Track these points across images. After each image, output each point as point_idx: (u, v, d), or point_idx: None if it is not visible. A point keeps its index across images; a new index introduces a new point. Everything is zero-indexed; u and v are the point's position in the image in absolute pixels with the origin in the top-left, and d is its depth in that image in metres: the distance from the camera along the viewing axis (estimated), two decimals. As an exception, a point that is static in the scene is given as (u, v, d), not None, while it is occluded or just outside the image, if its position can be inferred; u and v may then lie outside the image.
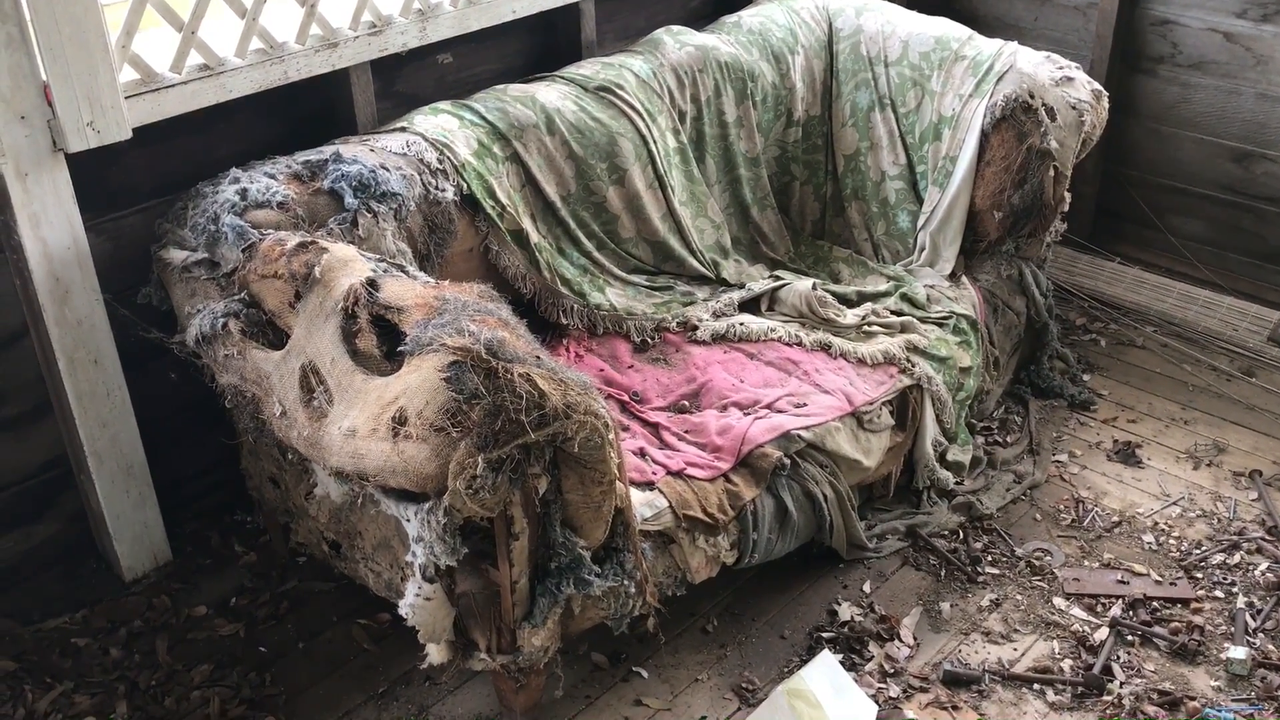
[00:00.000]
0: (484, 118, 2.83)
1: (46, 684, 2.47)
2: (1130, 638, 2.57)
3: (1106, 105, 3.23)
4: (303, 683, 2.50)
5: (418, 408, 1.95)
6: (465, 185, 2.71)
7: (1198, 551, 2.82)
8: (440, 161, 2.68)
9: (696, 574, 2.46)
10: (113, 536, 2.70)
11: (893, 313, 3.07)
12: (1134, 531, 2.89)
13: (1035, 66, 3.20)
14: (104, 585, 2.75)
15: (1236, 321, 3.67)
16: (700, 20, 3.57)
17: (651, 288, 3.07)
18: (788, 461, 2.57)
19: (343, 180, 2.48)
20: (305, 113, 2.84)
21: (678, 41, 3.26)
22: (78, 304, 2.47)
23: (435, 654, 2.25)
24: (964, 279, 3.22)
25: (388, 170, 2.56)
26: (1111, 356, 3.61)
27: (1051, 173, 3.13)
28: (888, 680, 2.48)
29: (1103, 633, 2.58)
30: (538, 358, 2.03)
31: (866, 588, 2.74)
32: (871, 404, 2.76)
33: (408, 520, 2.06)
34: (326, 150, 2.58)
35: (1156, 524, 2.92)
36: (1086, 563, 2.80)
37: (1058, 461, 3.15)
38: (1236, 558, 2.79)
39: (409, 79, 3.03)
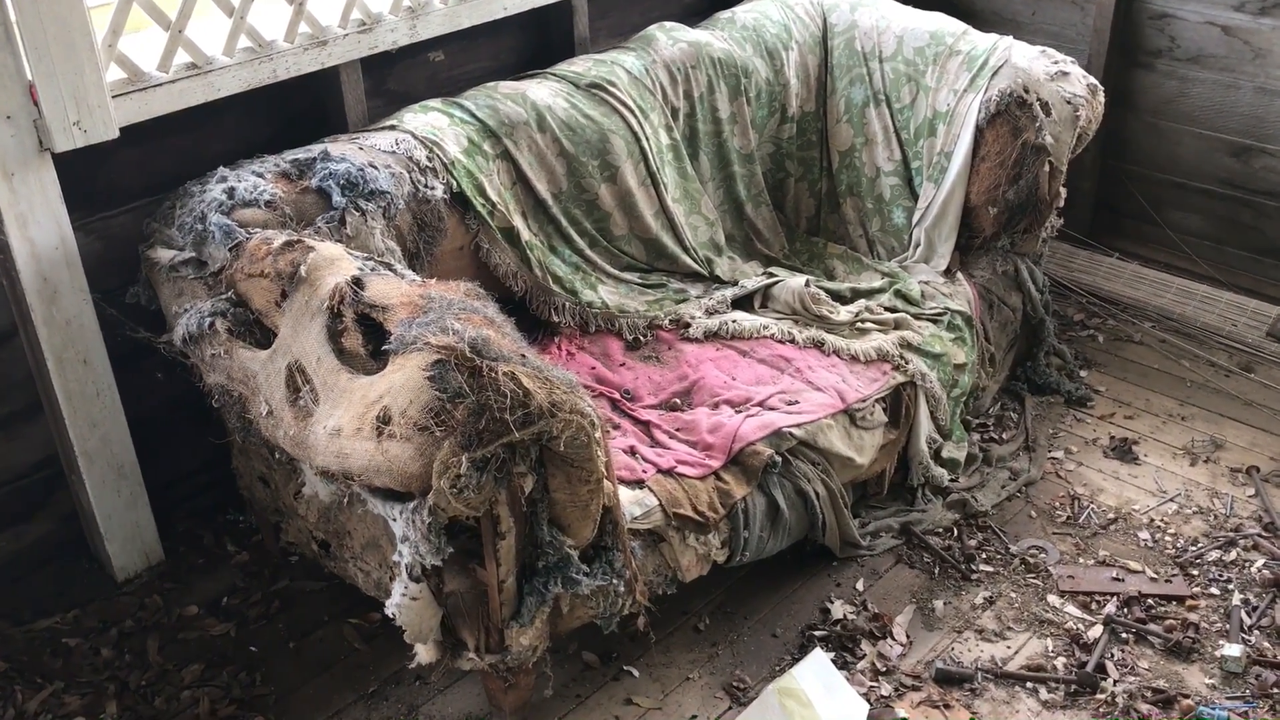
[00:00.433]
0: (474, 115, 2.82)
1: (37, 684, 2.46)
2: (1124, 635, 2.56)
3: (1102, 100, 3.21)
4: (293, 682, 2.50)
5: (401, 407, 1.94)
6: (455, 183, 2.71)
7: (1194, 548, 2.80)
8: (430, 159, 2.68)
9: (687, 572, 2.45)
10: (104, 536, 2.70)
11: (887, 309, 3.05)
12: (1130, 528, 2.88)
13: (1030, 61, 3.18)
14: (96, 585, 2.74)
15: (1235, 317, 3.64)
16: (695, 16, 3.56)
17: (644, 285, 3.06)
18: (779, 459, 2.56)
19: (330, 179, 2.47)
20: (295, 111, 2.83)
21: (670, 38, 3.24)
22: (66, 304, 2.46)
23: (424, 653, 2.24)
24: (959, 275, 3.20)
25: (376, 168, 2.55)
26: (1109, 352, 3.59)
27: (1046, 168, 3.11)
28: (880, 679, 2.47)
29: (1097, 630, 2.57)
30: (523, 356, 2.02)
31: (860, 585, 2.72)
32: (864, 401, 2.75)
33: (394, 520, 2.06)
34: (315, 149, 2.57)
35: (1152, 521, 2.90)
36: (1081, 560, 2.78)
37: (1054, 458, 3.13)
38: (1233, 554, 2.77)
39: (400, 77, 3.02)
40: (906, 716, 2.38)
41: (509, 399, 1.93)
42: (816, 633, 2.58)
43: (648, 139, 3.07)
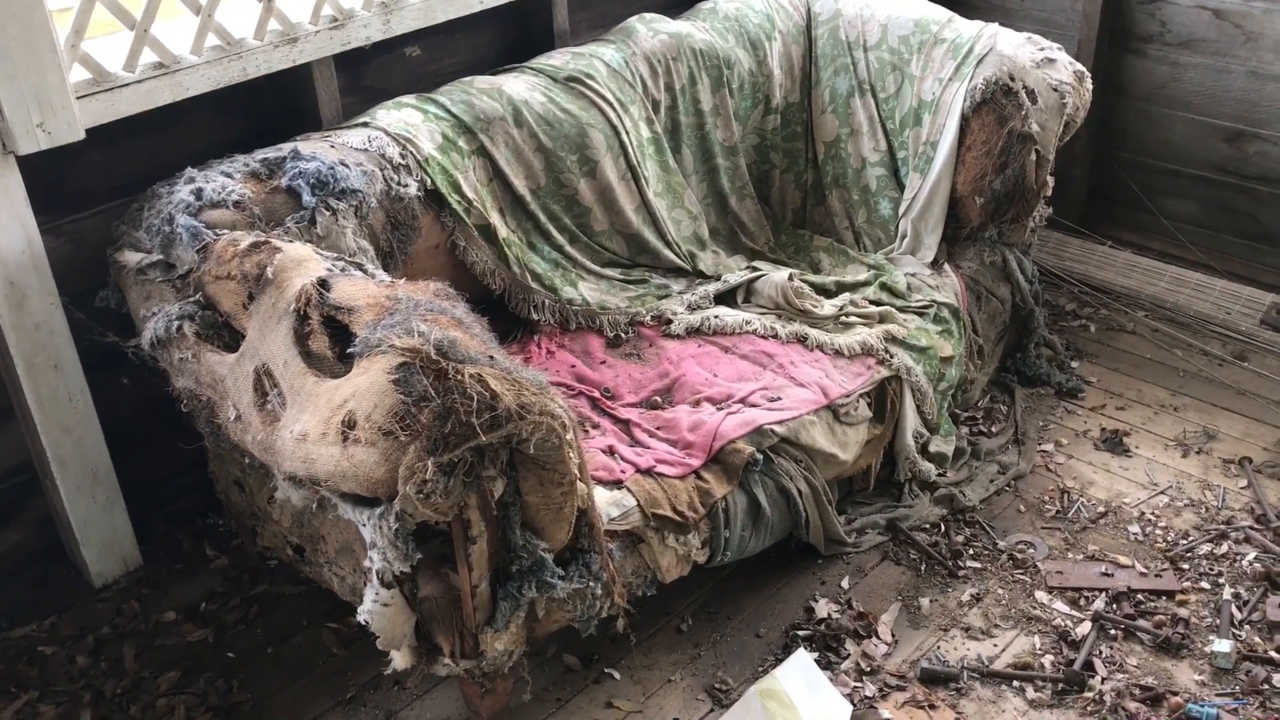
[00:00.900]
0: (449, 111, 2.78)
1: (11, 694, 2.44)
2: (1113, 632, 2.52)
3: (1090, 86, 3.16)
4: (270, 688, 2.47)
5: (366, 411, 1.91)
6: (429, 180, 2.67)
7: (1184, 542, 2.76)
8: (403, 156, 2.64)
9: (667, 573, 2.42)
10: (80, 542, 2.67)
11: (872, 303, 3.01)
12: (1120, 522, 2.84)
13: (1016, 48, 3.13)
14: (73, 592, 2.72)
15: (1229, 305, 3.60)
16: (677, 7, 3.51)
17: (626, 281, 3.02)
18: (760, 457, 2.52)
19: (300, 178, 2.43)
20: (268, 109, 2.79)
21: (651, 29, 3.20)
22: (35, 308, 2.43)
23: (399, 659, 2.20)
24: (946, 266, 3.16)
25: (347, 167, 2.51)
26: (1101, 342, 3.55)
27: (1033, 156, 3.06)
28: (864, 679, 2.43)
29: (1085, 627, 2.53)
30: (491, 357, 1.99)
31: (845, 583, 2.69)
32: (848, 396, 2.71)
33: (363, 525, 2.02)
34: (285, 147, 2.53)
35: (1143, 514, 2.86)
36: (1070, 555, 2.74)
37: (1043, 451, 3.09)
38: (1224, 547, 2.73)
39: (376, 73, 2.98)
40: (890, 717, 2.35)
41: (476, 402, 1.89)
42: (800, 632, 2.55)
43: (628, 132, 3.03)
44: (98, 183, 2.58)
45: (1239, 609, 2.55)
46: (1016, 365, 3.37)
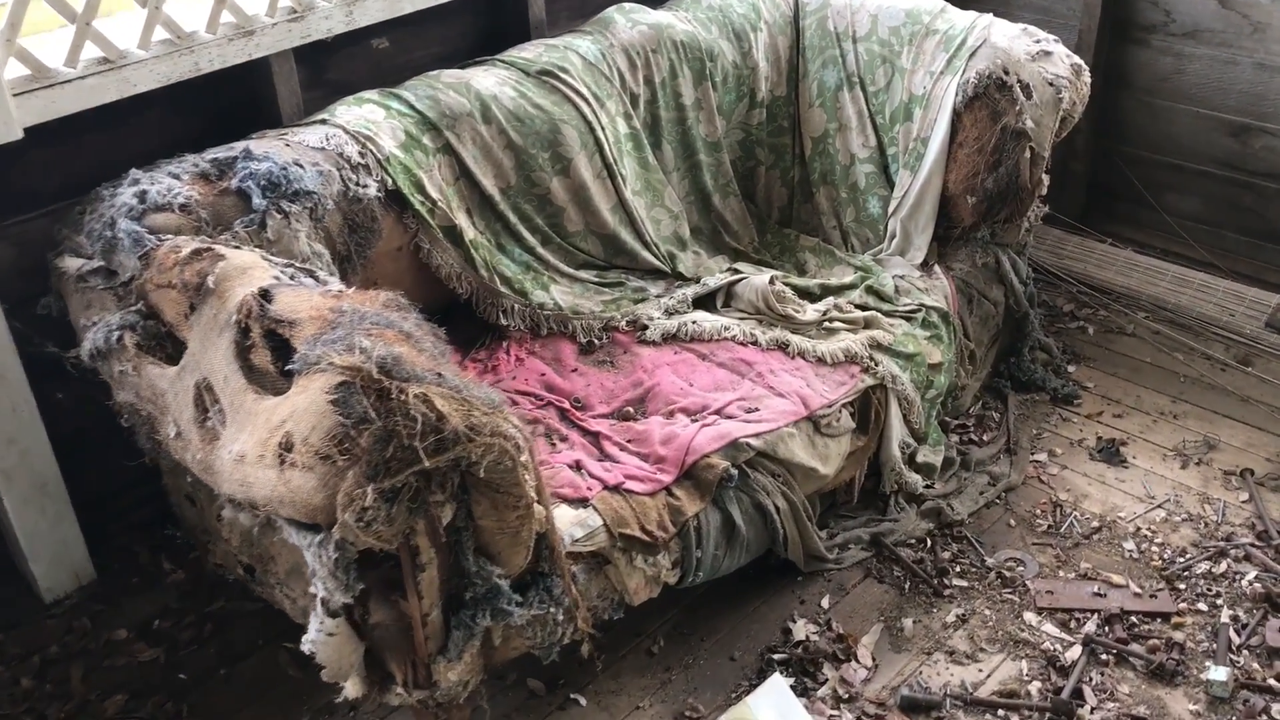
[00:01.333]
0: (413, 107, 2.66)
1: (-49, 718, 2.34)
2: (1104, 657, 2.40)
3: (1088, 80, 3.02)
4: (221, 712, 2.37)
5: (303, 433, 1.79)
6: (390, 180, 2.55)
7: (1181, 560, 2.64)
8: (362, 155, 2.52)
9: (635, 596, 2.30)
10: (28, 557, 2.57)
11: (858, 307, 2.89)
12: (1114, 538, 2.72)
13: (1011, 40, 3.00)
14: (22, 608, 2.61)
15: (1233, 306, 3.46)
16: (661, -4, 3.38)
17: (601, 284, 2.90)
18: (735, 472, 2.41)
19: (251, 179, 2.31)
20: (226, 105, 2.67)
21: (629, 20, 3.07)
22: (-27, 316, 2.33)
23: (350, 688, 2.09)
24: (937, 268, 3.04)
25: (302, 167, 2.39)
26: (1099, 345, 3.42)
27: (1028, 154, 2.93)
28: (841, 706, 2.32)
29: (1075, 651, 2.41)
30: (439, 375, 1.87)
31: (825, 602, 2.57)
32: (830, 407, 2.59)
33: (306, 550, 1.91)
34: (237, 147, 2.41)
35: (1139, 529, 2.74)
36: (1062, 573, 2.63)
37: (1036, 461, 2.97)
38: (1223, 566, 2.61)
39: (341, 66, 2.86)
40: (868, 748, 2.24)
41: (420, 423, 1.78)
42: (776, 655, 2.44)
43: (603, 129, 2.90)
44: (44, 183, 2.47)
45: (1237, 633, 2.44)
46: (1010, 370, 3.25)
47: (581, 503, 2.28)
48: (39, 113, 2.30)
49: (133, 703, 2.38)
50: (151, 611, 2.61)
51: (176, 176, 2.32)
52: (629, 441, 2.47)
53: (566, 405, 2.57)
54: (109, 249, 2.21)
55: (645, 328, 2.78)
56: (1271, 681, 2.32)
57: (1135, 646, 2.41)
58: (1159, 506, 2.80)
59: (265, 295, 2.00)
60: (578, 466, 2.37)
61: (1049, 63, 2.96)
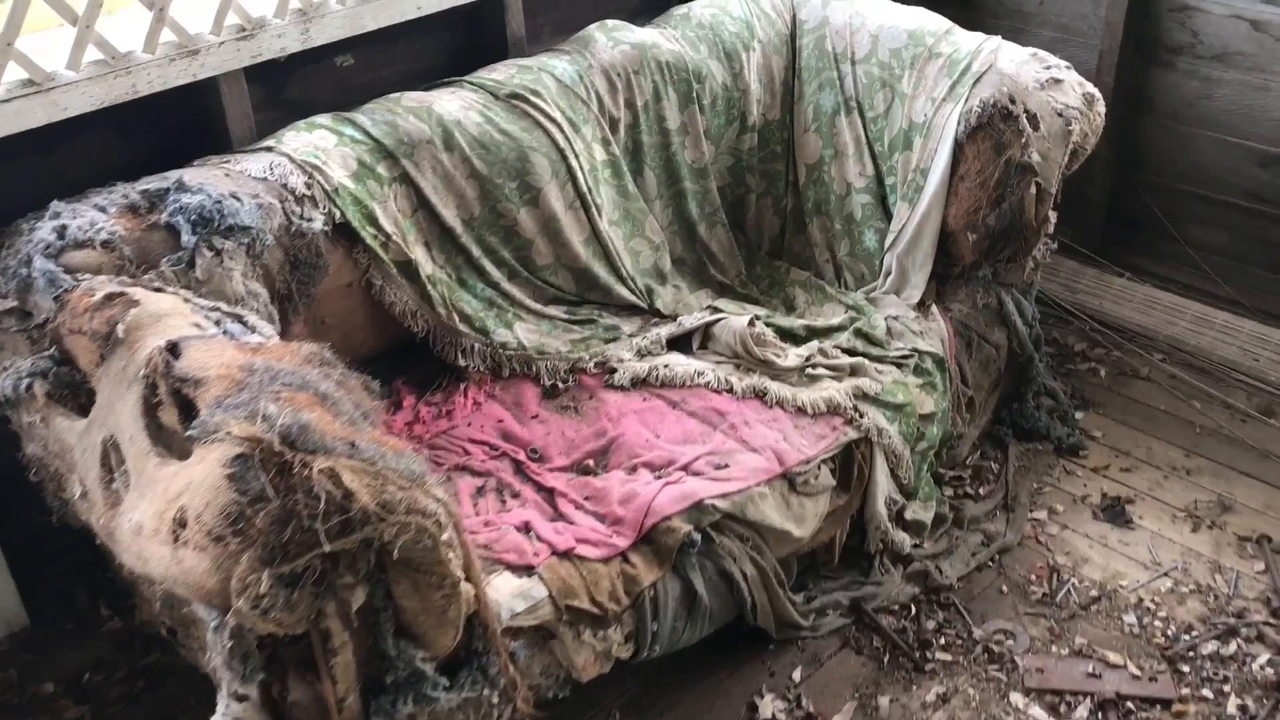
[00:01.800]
0: (368, 133, 2.49)
1: None
2: (1096, 748, 2.21)
3: (1101, 111, 2.81)
4: (142, 781, 2.22)
5: (197, 509, 1.63)
6: (339, 212, 2.38)
7: (1187, 638, 2.43)
8: (309, 186, 2.35)
9: (584, 672, 2.13)
10: (-46, 604, 2.43)
11: (845, 351, 2.70)
12: (1114, 609, 2.52)
13: (1018, 66, 2.79)
14: (-52, 657, 2.49)
15: (1258, 350, 3.24)
16: (655, 10, 3.19)
17: (571, 321, 2.73)
18: (698, 537, 2.23)
19: (180, 214, 2.15)
20: (176, 127, 2.51)
21: (611, 39, 2.89)
22: (-112, 353, 2.18)
23: (266, 770, 1.94)
24: (934, 309, 2.84)
25: (239, 199, 2.23)
26: (1111, 390, 3.20)
27: (1033, 189, 2.72)
28: (804, 797, 2.14)
29: (1064, 741, 2.22)
30: (352, 445, 1.70)
31: (796, 675, 2.39)
32: (807, 463, 2.41)
33: (210, 627, 1.76)
34: (171, 176, 2.26)
35: (1141, 600, 2.53)
36: (1054, 648, 2.43)
37: (1035, 520, 2.77)
38: (1232, 646, 2.41)
39: (301, 84, 2.70)
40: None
41: (323, 502, 1.61)
42: (739, 735, 2.26)
43: (577, 156, 2.72)
44: (-30, 211, 2.32)
45: (1244, 726, 2.24)
46: (1012, 417, 3.04)
47: (527, 570, 2.11)
48: (-43, 138, 2.16)
49: (50, 767, 2.24)
50: (83, 663, 2.47)
51: (102, 209, 2.17)
52: (586, 499, 2.30)
53: (522, 457, 2.40)
54: (24, 288, 2.06)
55: (614, 371, 2.61)
56: (1279, 784, 2.12)
57: (1130, 738, 2.22)
58: (1165, 575, 2.60)
59: (173, 349, 1.84)
60: (526, 528, 2.20)
61: (1059, 91, 2.75)
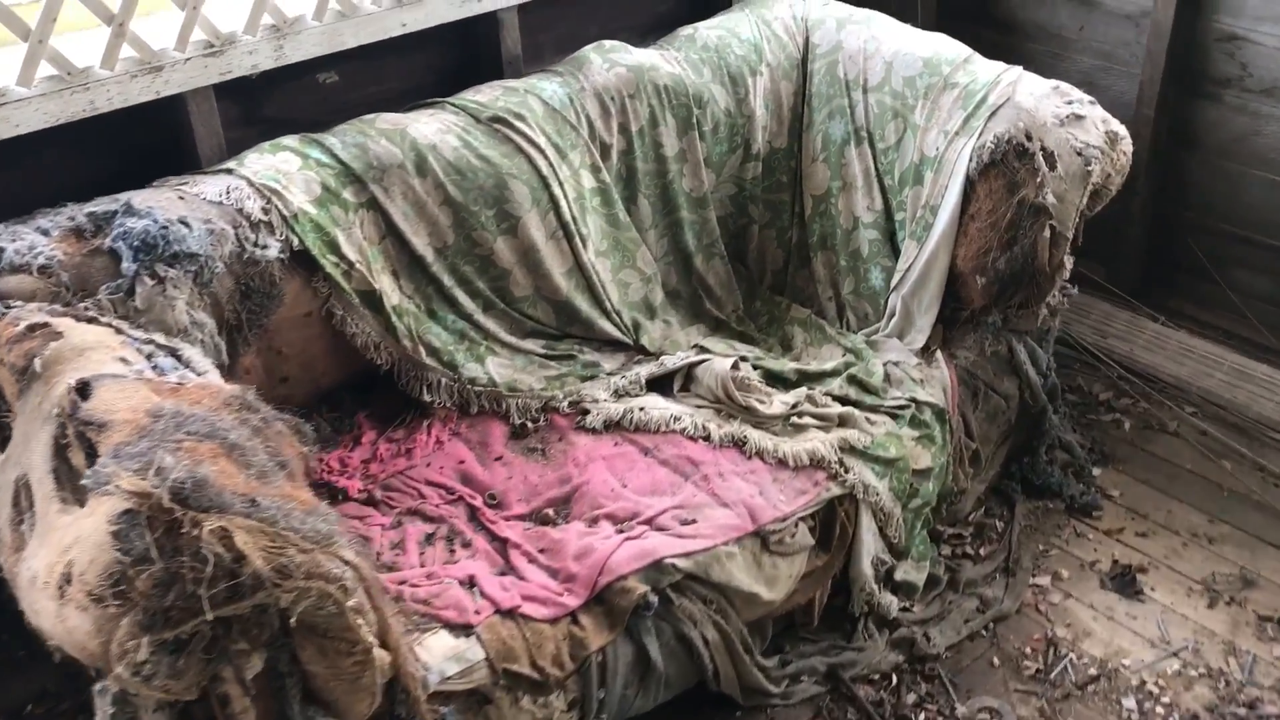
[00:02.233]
0: (336, 156, 2.39)
1: None
2: None
3: (1126, 151, 2.61)
4: (68, 826, 2.14)
5: (81, 566, 1.53)
6: (298, 239, 2.28)
7: (1190, 728, 2.24)
8: (266, 211, 2.25)
9: (522, 739, 2.01)
10: (-101, 627, 2.37)
11: (837, 398, 2.54)
12: (1114, 691, 2.33)
13: (1038, 100, 2.61)
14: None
15: (1298, 408, 3.02)
16: (666, 30, 3.05)
17: (548, 356, 2.60)
18: (654, 599, 2.09)
19: (123, 239, 2.07)
20: (142, 143, 2.43)
21: (607, 61, 2.76)
22: None
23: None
24: (939, 355, 2.66)
25: (187, 225, 2.14)
26: (1134, 444, 3.00)
27: (1047, 232, 2.54)
28: None
29: (1042, 839, 2.05)
30: (253, 502, 1.60)
31: (760, 748, 2.24)
32: (784, 520, 2.26)
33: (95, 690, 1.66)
34: (122, 198, 2.17)
35: (1144, 683, 2.34)
36: (1043, 733, 2.25)
37: (1036, 586, 2.58)
38: (1240, 742, 2.21)
39: (281, 101, 2.61)
40: None
41: (211, 566, 1.51)
42: (690, 814, 2.12)
43: (562, 184, 2.60)
44: (-75, 227, 2.26)
45: (1243, 834, 2.04)
46: (1023, 472, 2.86)
47: (465, 630, 1.99)
48: (-100, 156, 2.09)
49: (-23, 805, 2.17)
50: (28, 694, 2.39)
51: (45, 232, 2.09)
52: (541, 551, 2.17)
53: (479, 503, 2.28)
54: (-44, 313, 1.99)
55: (587, 412, 2.47)
56: None
57: (1115, 841, 2.04)
58: (1174, 654, 2.40)
59: (82, 390, 1.75)
60: (470, 583, 2.08)
61: (1079, 128, 2.57)
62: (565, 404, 2.50)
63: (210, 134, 2.44)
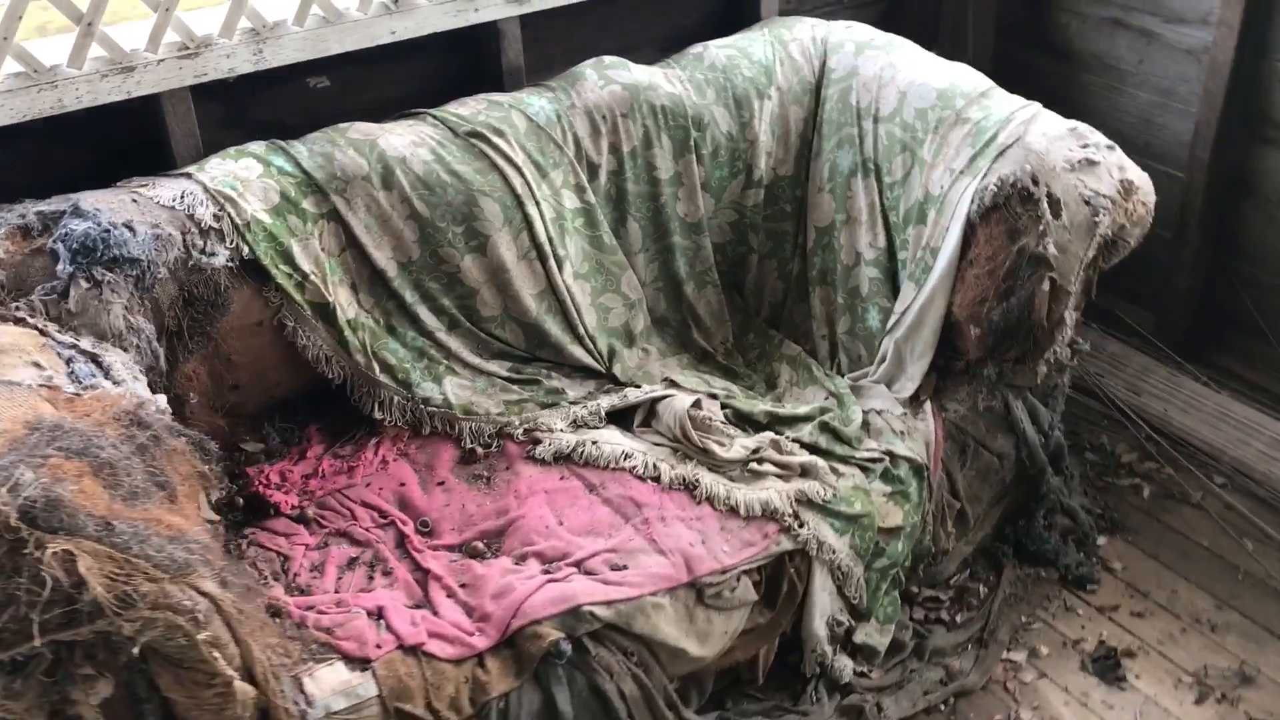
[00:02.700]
0: (300, 165, 2.36)
1: None
2: None
3: (1144, 202, 2.41)
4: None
5: (-75, 580, 1.52)
6: (249, 248, 2.25)
7: (1146, 838, 2.06)
8: (217, 219, 2.23)
9: (410, 783, 1.94)
10: None
11: (806, 446, 2.41)
12: (1071, 787, 2.16)
13: (1050, 142, 2.43)
14: None
15: (1339, 488, 2.77)
16: (679, 46, 2.95)
17: (511, 380, 2.53)
18: (567, 647, 2.00)
19: (63, 241, 2.06)
20: (119, 139, 2.43)
21: (603, 78, 2.67)
22: None
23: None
24: (927, 406, 2.51)
25: (132, 229, 2.12)
26: (1150, 514, 2.79)
27: (1047, 285, 2.37)
28: None
29: None
30: (108, 525, 1.56)
31: (680, 810, 2.13)
32: (724, 573, 2.14)
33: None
34: (72, 198, 2.17)
35: (1106, 781, 2.17)
36: (984, 826, 2.10)
37: (1009, 661, 2.42)
38: None
39: (269, 104, 2.59)
40: None
41: (48, 589, 1.48)
42: None
43: (540, 203, 2.52)
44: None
45: None
46: (1017, 535, 2.68)
47: (363, 663, 1.93)
48: None
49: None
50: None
51: (-9, 229, 2.10)
52: (462, 586, 2.10)
53: (409, 529, 2.22)
54: (-108, 308, 2.01)
55: (540, 441, 2.40)
56: None
57: None
58: (1146, 753, 2.22)
59: (-31, 397, 1.74)
60: (378, 614, 2.02)
61: (1091, 175, 2.39)
62: (520, 431, 2.42)
63: (187, 135, 2.43)
